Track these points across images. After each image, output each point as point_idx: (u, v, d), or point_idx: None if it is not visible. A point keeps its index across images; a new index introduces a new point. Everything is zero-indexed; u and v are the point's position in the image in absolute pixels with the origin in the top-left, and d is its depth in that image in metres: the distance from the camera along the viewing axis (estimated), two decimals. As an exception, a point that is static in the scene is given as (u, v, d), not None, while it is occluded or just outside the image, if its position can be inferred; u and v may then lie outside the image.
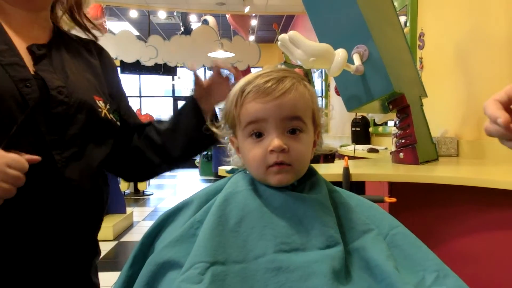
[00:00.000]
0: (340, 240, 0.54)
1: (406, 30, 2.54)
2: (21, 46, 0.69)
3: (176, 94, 9.94)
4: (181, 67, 7.66)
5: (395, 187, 1.49)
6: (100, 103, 0.76)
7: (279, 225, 0.53)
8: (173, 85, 9.76)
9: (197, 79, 0.87)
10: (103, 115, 0.75)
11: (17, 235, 0.64)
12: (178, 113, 0.89)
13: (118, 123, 0.81)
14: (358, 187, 1.75)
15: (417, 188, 1.41)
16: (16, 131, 0.62)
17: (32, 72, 0.67)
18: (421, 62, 2.45)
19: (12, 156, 0.57)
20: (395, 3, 2.65)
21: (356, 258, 0.54)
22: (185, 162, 0.91)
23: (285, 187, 0.58)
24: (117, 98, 0.86)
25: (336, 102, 5.02)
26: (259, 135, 0.57)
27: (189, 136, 0.85)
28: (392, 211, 1.44)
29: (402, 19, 2.64)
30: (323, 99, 5.82)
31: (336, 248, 0.53)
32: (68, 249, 0.69)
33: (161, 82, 9.82)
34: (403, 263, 0.54)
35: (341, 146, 3.17)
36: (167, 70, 7.58)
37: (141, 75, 9.21)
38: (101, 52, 0.86)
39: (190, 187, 6.81)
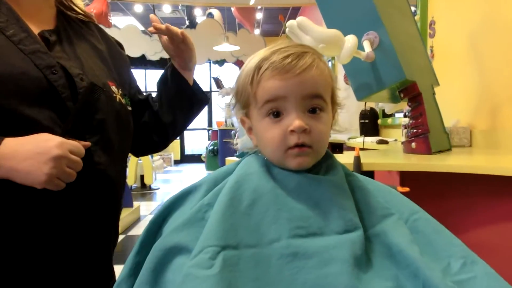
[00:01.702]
0: (359, 224, 0.51)
1: (416, 18, 2.49)
2: (34, 32, 0.68)
3: (181, 89, 9.89)
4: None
5: (406, 177, 1.45)
6: (114, 89, 0.76)
7: (294, 208, 0.50)
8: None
9: (160, 37, 0.87)
10: (117, 100, 0.75)
11: (45, 217, 0.64)
12: (159, 82, 0.92)
13: (129, 107, 0.81)
14: (369, 176, 1.71)
15: (429, 178, 1.37)
16: (73, 119, 0.64)
17: None
18: (431, 51, 2.40)
19: (72, 143, 0.59)
20: (405, -9, 2.60)
21: (377, 244, 0.51)
22: (182, 125, 0.92)
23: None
24: (128, 82, 0.86)
25: (343, 94, 4.96)
26: (277, 114, 0.53)
27: (173, 98, 0.87)
28: (405, 201, 1.41)
29: (412, 8, 2.59)
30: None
31: (356, 233, 0.49)
32: (94, 233, 0.70)
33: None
34: (426, 249, 0.51)
35: (349, 138, 3.13)
36: (172, 64, 7.55)
37: (147, 70, 9.20)
38: (103, 35, 0.86)
39: (197, 180, 6.80)
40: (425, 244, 0.52)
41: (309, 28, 1.34)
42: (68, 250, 0.66)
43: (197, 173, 7.73)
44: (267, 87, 0.53)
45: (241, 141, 0.62)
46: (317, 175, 0.55)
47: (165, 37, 0.85)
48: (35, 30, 0.68)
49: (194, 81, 0.91)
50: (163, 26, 0.82)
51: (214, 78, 7.80)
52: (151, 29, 0.83)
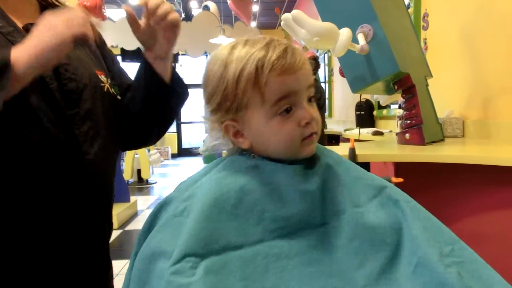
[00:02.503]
0: (345, 210, 0.53)
1: (409, 11, 2.50)
2: (19, 25, 0.69)
3: (178, 83, 9.86)
4: (183, 54, 7.61)
5: (401, 168, 1.48)
6: (102, 78, 0.76)
7: (279, 207, 0.51)
8: (175, 73, 9.70)
9: (131, 21, 0.76)
10: (105, 89, 0.75)
11: (36, 210, 0.64)
12: (136, 87, 0.83)
13: (119, 97, 0.80)
14: (364, 167, 1.74)
15: (423, 168, 1.40)
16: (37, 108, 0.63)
17: None
18: (425, 43, 2.42)
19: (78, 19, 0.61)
20: (399, -17, 2.61)
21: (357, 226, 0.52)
22: (154, 118, 0.83)
23: (284, 161, 0.56)
24: (116, 72, 0.85)
25: (339, 86, 4.99)
26: (289, 110, 0.53)
27: (144, 89, 0.79)
28: (399, 191, 1.44)
29: (406, 1, 2.60)
30: (326, 84, 5.78)
31: (338, 221, 0.52)
32: (87, 224, 0.70)
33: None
34: None
35: (345, 130, 3.16)
36: (168, 57, 7.51)
37: (142, 64, 9.15)
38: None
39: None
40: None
41: (304, 22, 1.36)
42: (62, 243, 0.67)
43: (194, 167, 7.75)
44: (279, 84, 0.52)
45: (212, 146, 0.61)
46: (301, 164, 0.56)
47: (143, 22, 0.74)
48: (19, 23, 0.69)
49: (174, 72, 0.81)
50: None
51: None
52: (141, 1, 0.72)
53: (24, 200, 0.63)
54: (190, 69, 9.73)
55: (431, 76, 1.86)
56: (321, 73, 5.81)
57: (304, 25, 1.36)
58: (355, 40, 1.51)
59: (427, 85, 1.78)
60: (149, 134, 0.87)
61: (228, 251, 0.47)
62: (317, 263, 0.48)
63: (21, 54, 0.57)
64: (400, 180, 1.33)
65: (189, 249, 0.46)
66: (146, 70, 0.77)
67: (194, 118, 9.14)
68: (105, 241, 0.77)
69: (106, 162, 0.74)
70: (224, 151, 0.61)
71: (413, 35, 1.89)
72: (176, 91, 0.79)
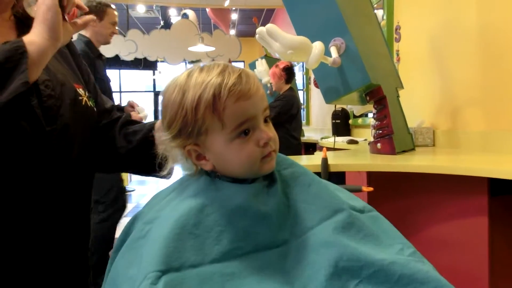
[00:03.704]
0: (300, 232, 0.56)
1: (382, 23, 2.58)
2: None
3: (157, 89, 9.82)
4: (161, 61, 7.58)
5: (373, 177, 1.53)
6: (80, 91, 0.77)
7: (237, 227, 0.53)
8: (154, 80, 9.65)
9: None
10: (83, 103, 0.76)
11: (17, 215, 0.66)
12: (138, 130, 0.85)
13: (95, 108, 0.82)
14: (338, 177, 1.78)
15: (394, 177, 1.45)
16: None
17: None
18: (397, 55, 2.50)
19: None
20: (372, -3, 2.69)
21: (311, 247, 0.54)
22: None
23: (245, 180, 0.58)
24: (90, 84, 0.86)
25: (316, 95, 5.07)
26: (248, 132, 0.56)
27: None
28: (370, 200, 1.48)
29: (380, 12, 2.69)
30: (304, 92, 5.86)
31: (293, 242, 0.55)
32: (66, 230, 0.72)
33: (142, 77, 9.69)
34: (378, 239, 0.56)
35: (322, 138, 3.21)
36: (147, 64, 7.49)
37: (121, 70, 9.06)
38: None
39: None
40: (376, 236, 0.56)
41: (278, 35, 1.39)
42: (42, 247, 0.68)
43: (174, 173, 7.66)
44: (238, 109, 0.54)
45: (179, 168, 0.63)
46: (264, 181, 0.59)
47: None
48: None
49: None
50: None
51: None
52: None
53: (3, 209, 0.65)
54: (169, 76, 9.66)
55: (402, 87, 1.93)
56: (299, 80, 5.89)
57: (278, 39, 1.39)
58: (328, 53, 1.56)
59: (398, 96, 1.84)
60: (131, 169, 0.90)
61: (186, 268, 0.48)
62: (267, 283, 0.50)
63: (31, 37, 0.62)
64: (370, 189, 1.37)
65: (150, 267, 0.48)
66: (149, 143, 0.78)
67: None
68: (84, 245, 0.79)
69: (85, 176, 0.76)
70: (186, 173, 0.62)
71: (384, 48, 1.95)
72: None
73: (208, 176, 0.60)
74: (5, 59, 0.58)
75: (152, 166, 0.67)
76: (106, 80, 2.31)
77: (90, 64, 2.24)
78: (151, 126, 0.82)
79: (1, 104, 0.57)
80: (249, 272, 0.50)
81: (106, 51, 6.08)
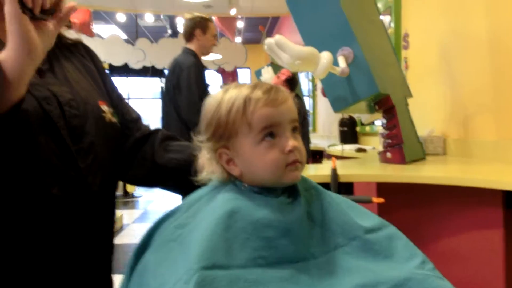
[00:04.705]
0: (319, 251, 0.58)
1: (390, 31, 2.57)
2: None
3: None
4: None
5: (383, 187, 1.51)
6: (104, 107, 0.78)
7: (261, 237, 0.56)
8: (162, 87, 9.72)
9: None
10: (107, 119, 0.77)
11: (41, 237, 0.66)
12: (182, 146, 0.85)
13: (119, 124, 0.82)
14: (347, 187, 1.77)
15: (405, 188, 1.43)
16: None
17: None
18: (406, 62, 2.49)
19: None
20: (379, 5, 2.69)
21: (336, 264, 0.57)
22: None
23: (272, 192, 0.61)
24: (115, 99, 0.86)
25: (323, 102, 5.06)
26: (273, 136, 0.60)
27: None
28: (381, 212, 1.46)
29: (387, 19, 2.68)
30: (310, 99, 5.85)
31: (313, 261, 0.57)
32: (90, 251, 0.72)
33: (149, 84, 9.77)
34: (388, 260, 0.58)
35: (329, 146, 3.19)
36: (154, 72, 7.55)
37: (129, 77, 9.15)
38: (91, 54, 0.87)
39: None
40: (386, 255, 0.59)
41: (286, 46, 1.39)
42: (67, 271, 0.68)
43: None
44: (263, 114, 0.60)
45: (211, 173, 0.66)
46: (287, 198, 0.62)
47: None
48: None
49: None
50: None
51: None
52: None
53: (32, 231, 0.65)
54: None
55: (411, 96, 1.91)
56: (305, 87, 5.89)
57: (286, 50, 1.39)
58: (336, 62, 1.55)
59: (407, 104, 1.83)
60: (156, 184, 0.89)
61: (217, 269, 0.52)
62: None
63: (4, 53, 0.57)
64: (381, 200, 1.35)
65: (187, 266, 0.52)
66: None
67: (181, 132, 9.11)
68: (107, 263, 0.79)
69: (109, 191, 0.77)
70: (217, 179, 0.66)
71: (392, 56, 1.94)
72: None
73: (235, 186, 0.63)
74: None
75: (192, 186, 0.68)
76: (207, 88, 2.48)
77: (199, 74, 2.36)
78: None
79: None
80: (271, 282, 0.53)
81: (115, 60, 6.18)
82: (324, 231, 0.60)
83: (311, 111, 5.50)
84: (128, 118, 0.87)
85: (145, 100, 9.93)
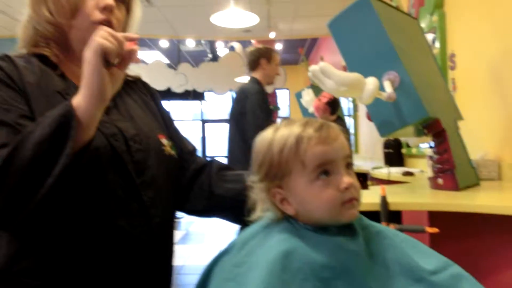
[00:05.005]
0: None
1: (435, 51, 2.51)
2: None
3: (204, 118, 10.13)
4: (208, 91, 7.84)
5: (434, 215, 1.44)
6: (164, 141, 0.81)
7: (318, 278, 0.55)
8: (201, 109, 9.98)
9: None
10: (167, 152, 0.80)
11: (107, 270, 0.68)
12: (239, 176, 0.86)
13: (177, 156, 0.84)
14: (394, 214, 1.71)
15: (458, 217, 1.36)
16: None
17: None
18: (453, 83, 2.40)
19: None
20: (422, 25, 2.64)
21: None
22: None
23: (327, 231, 0.60)
24: (173, 132, 0.89)
25: (365, 121, 4.96)
26: (327, 174, 0.60)
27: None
28: (433, 242, 1.39)
29: (430, 36, 2.61)
30: (351, 118, 5.77)
31: None
32: (150, 280, 0.74)
33: (189, 106, 10.06)
34: None
35: (374, 168, 3.11)
36: (196, 95, 7.78)
37: (171, 101, 9.47)
38: (149, 88, 0.93)
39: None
40: None
41: (331, 73, 1.39)
42: None
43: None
44: (317, 153, 0.59)
45: (263, 210, 0.65)
46: (344, 237, 0.60)
47: None
48: None
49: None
50: None
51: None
52: None
53: (97, 261, 0.68)
54: (215, 105, 9.97)
55: (462, 118, 1.84)
56: (345, 105, 5.82)
57: (331, 76, 1.39)
58: (381, 86, 1.52)
59: (457, 128, 1.75)
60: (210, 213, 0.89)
61: None
62: None
63: (79, 99, 0.61)
64: (436, 230, 1.29)
65: None
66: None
67: (219, 153, 9.24)
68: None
69: (169, 222, 0.80)
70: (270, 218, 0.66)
71: (440, 78, 1.88)
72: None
73: (289, 223, 0.62)
74: (56, 127, 0.58)
75: (244, 213, 0.69)
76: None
77: (263, 100, 2.51)
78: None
79: (54, 177, 0.57)
80: None
81: (158, 84, 6.43)
82: (385, 271, 0.58)
83: (352, 131, 5.41)
84: (185, 151, 0.90)
85: (186, 122, 10.20)
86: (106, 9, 0.74)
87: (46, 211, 0.61)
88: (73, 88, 0.72)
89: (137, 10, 0.84)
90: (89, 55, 0.61)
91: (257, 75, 2.60)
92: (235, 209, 0.82)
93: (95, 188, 0.67)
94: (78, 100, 0.61)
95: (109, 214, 0.68)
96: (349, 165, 0.62)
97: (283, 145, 0.60)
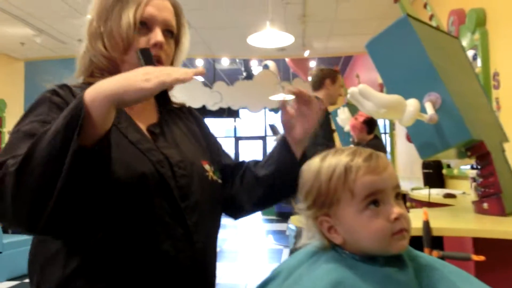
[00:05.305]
0: None
1: (477, 70, 2.44)
2: (143, 128, 0.80)
3: (237, 135, 10.25)
4: (242, 108, 7.95)
5: (479, 241, 1.39)
6: (207, 167, 0.83)
7: None
8: (235, 126, 10.11)
9: (283, 108, 0.83)
10: (210, 178, 0.82)
11: None
12: (270, 155, 0.88)
13: (220, 180, 0.86)
14: (435, 239, 1.65)
15: (506, 244, 1.30)
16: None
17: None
18: (497, 103, 2.32)
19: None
20: (464, 43, 2.58)
21: None
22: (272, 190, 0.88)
23: (375, 261, 0.59)
24: (216, 155, 0.92)
25: (403, 140, 4.84)
26: (377, 204, 0.59)
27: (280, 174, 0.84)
28: (479, 271, 1.33)
29: (470, 53, 2.54)
30: (388, 136, 5.65)
31: None
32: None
33: (222, 123, 10.22)
34: None
35: (412, 189, 3.02)
36: (230, 113, 7.90)
37: (205, 118, 9.66)
38: (194, 115, 0.96)
39: (252, 227, 6.80)
40: None
41: (370, 95, 1.39)
42: None
43: (252, 218, 7.72)
44: (366, 182, 0.59)
45: (310, 238, 0.66)
46: (393, 268, 0.59)
47: (290, 107, 0.82)
48: (143, 126, 0.80)
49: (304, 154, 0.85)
50: (299, 91, 0.80)
51: (270, 125, 8.02)
52: (290, 90, 0.80)
53: (141, 284, 0.70)
54: (250, 122, 10.08)
55: (507, 140, 1.77)
56: (381, 123, 5.71)
57: (371, 98, 1.38)
58: (422, 109, 1.50)
59: (503, 150, 1.69)
60: (257, 206, 0.91)
61: None
62: None
63: (97, 94, 0.59)
64: (482, 258, 1.24)
65: None
66: (283, 147, 0.85)
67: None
68: None
69: (211, 247, 0.81)
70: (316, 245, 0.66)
71: (483, 98, 1.83)
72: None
73: (336, 252, 0.62)
74: (70, 117, 0.57)
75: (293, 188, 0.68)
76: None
77: (325, 118, 2.59)
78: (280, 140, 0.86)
79: (68, 163, 0.56)
80: None
81: (194, 102, 6.60)
82: None
83: (389, 150, 5.29)
84: (231, 164, 0.93)
85: (219, 139, 10.35)
86: (156, 45, 0.78)
87: (73, 209, 0.59)
88: (125, 117, 0.77)
89: (186, 42, 0.88)
90: (147, 80, 0.60)
91: (320, 94, 2.65)
92: (282, 177, 0.83)
93: (142, 212, 0.70)
94: (100, 85, 0.59)
95: (155, 239, 0.70)
96: (398, 195, 0.61)
97: (332, 173, 0.61)
